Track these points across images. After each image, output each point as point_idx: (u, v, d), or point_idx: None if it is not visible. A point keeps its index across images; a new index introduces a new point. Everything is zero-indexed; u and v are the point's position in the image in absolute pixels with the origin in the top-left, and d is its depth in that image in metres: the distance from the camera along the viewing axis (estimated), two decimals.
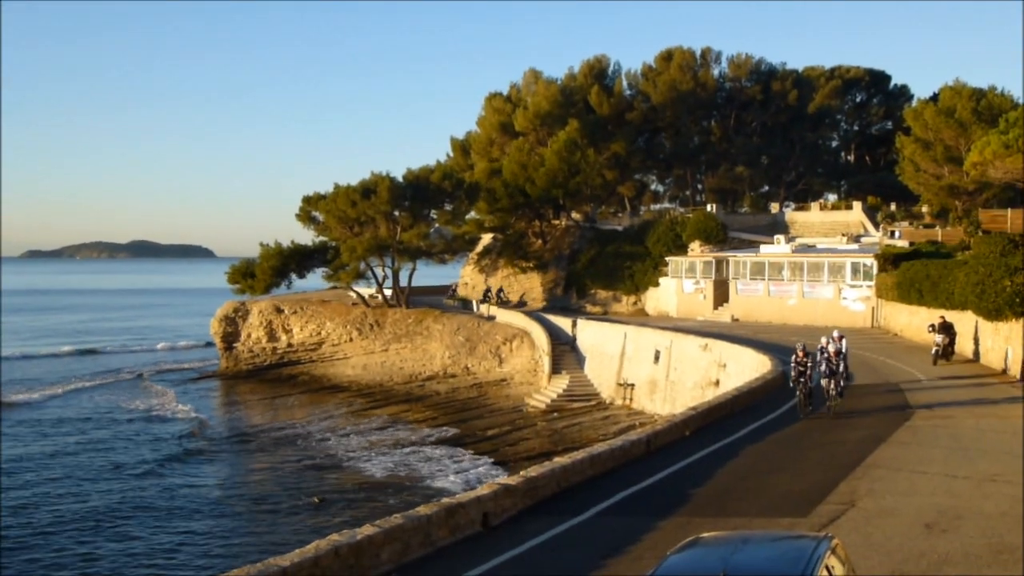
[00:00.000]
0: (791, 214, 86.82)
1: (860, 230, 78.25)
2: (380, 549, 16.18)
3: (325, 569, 15.07)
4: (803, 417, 31.05)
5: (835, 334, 34.35)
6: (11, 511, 39.91)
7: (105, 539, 36.16)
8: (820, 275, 64.41)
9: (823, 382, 32.03)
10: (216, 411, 64.81)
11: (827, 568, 9.57)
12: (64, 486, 44.49)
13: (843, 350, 33.28)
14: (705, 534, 11.53)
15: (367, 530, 16.24)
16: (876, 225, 77.60)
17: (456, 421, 57.70)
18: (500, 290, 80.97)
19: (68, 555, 34.24)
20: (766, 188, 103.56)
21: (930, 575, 15.39)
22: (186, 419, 61.41)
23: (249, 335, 79.50)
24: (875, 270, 60.64)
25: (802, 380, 31.73)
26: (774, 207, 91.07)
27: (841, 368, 32.14)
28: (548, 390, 60.12)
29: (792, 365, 31.90)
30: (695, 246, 76.64)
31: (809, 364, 31.76)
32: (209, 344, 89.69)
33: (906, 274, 53.03)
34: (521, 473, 21.75)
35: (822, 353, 32.44)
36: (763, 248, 71.90)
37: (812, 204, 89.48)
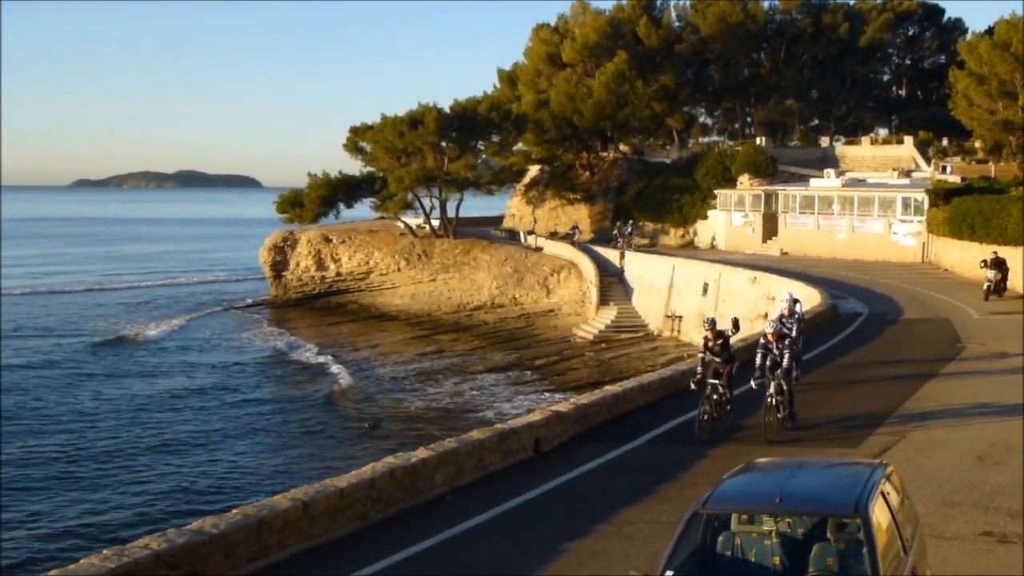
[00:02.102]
0: (841, 148, 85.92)
1: (911, 165, 77.38)
2: (434, 472, 16.45)
3: (381, 491, 15.34)
4: (700, 440, 19.89)
5: (785, 296, 25.51)
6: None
7: (155, 463, 36.59)
8: (870, 210, 63.87)
9: (753, 384, 21.55)
10: (265, 340, 65.41)
11: (883, 494, 9.65)
12: (146, 413, 45.19)
13: (792, 328, 23.49)
14: (759, 460, 11.64)
15: (421, 453, 16.50)
16: (927, 160, 76.65)
17: (504, 351, 57.99)
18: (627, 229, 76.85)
19: (129, 479, 34.76)
20: (816, 122, 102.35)
21: (982, 505, 15.46)
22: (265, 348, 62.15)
23: (298, 264, 79.97)
24: (926, 205, 60.05)
25: (715, 381, 20.71)
26: (824, 141, 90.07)
27: (785, 361, 20.96)
28: (596, 321, 60.22)
29: (700, 354, 21.30)
30: (744, 179, 76.12)
31: (721, 346, 21.04)
32: (259, 276, 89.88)
33: (958, 209, 52.56)
34: (572, 400, 21.96)
35: (763, 340, 21.77)
36: (813, 182, 71.33)
37: (863, 138, 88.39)
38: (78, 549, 25.50)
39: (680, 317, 56.40)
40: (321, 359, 57.45)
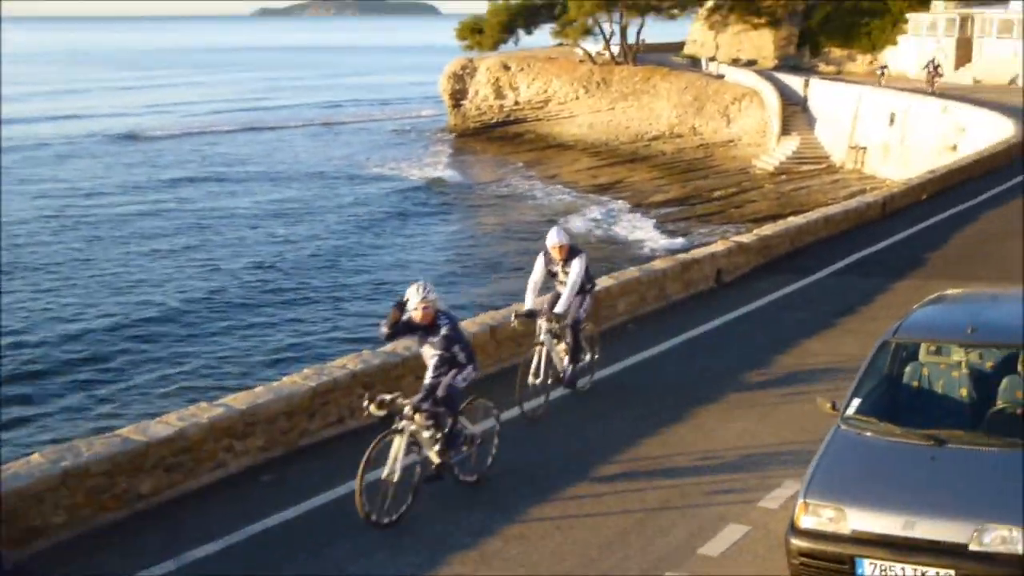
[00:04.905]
0: None
1: None
2: (617, 300, 16.72)
3: None
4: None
5: (553, 238, 12.96)
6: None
7: (335, 298, 37.78)
8: None
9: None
10: (449, 168, 66.31)
11: None
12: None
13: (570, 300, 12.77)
14: (951, 291, 11.55)
15: (605, 281, 16.74)
16: None
17: (681, 182, 57.61)
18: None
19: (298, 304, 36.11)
20: None
21: None
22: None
23: (476, 92, 79.97)
24: None
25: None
26: None
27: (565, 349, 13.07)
28: (776, 152, 59.12)
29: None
30: (939, 3, 72.74)
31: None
32: (434, 101, 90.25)
33: None
34: (754, 231, 21.90)
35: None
36: (1013, 4, 67.72)
37: None
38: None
39: (864, 148, 54.96)
40: (497, 189, 58.11)
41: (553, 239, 12.89)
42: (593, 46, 78.16)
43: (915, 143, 50.23)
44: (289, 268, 40.51)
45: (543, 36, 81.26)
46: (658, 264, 18.39)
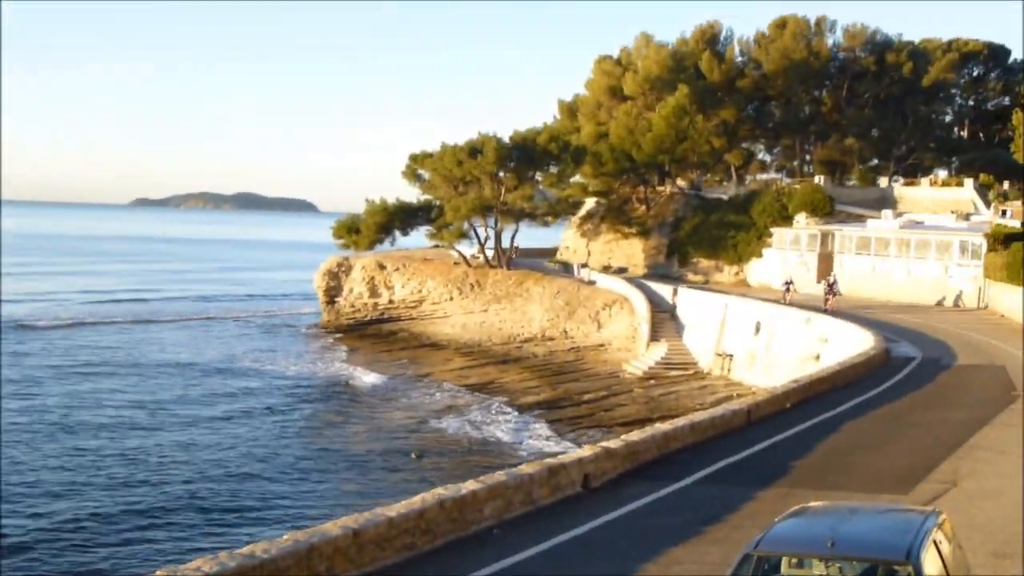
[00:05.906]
0: (899, 189, 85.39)
1: (970, 208, 76.75)
2: (483, 504, 16.51)
3: (430, 521, 15.44)
4: None
5: None
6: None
7: (216, 488, 36.90)
8: (927, 252, 63.35)
9: None
10: (318, 365, 65.86)
11: (935, 543, 9.64)
12: (172, 434, 45.79)
13: None
14: (812, 503, 11.66)
15: (471, 485, 16.58)
16: (987, 204, 76.00)
17: (552, 384, 57.92)
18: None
19: (154, 506, 34.96)
20: (875, 162, 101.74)
21: None
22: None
23: (351, 290, 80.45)
24: (984, 249, 59.50)
25: None
26: (882, 181, 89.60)
27: None
28: (646, 357, 60.01)
29: None
30: (801, 218, 75.81)
31: None
32: (308, 297, 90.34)
33: (1017, 255, 52.01)
34: (622, 437, 21.95)
35: None
36: (870, 223, 70.88)
37: (922, 180, 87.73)
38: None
39: (731, 356, 56.14)
40: (369, 387, 57.86)
41: None
42: (468, 249, 79.45)
43: (780, 352, 51.45)
44: (148, 464, 39.50)
45: (419, 237, 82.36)
46: (525, 468, 18.24)
